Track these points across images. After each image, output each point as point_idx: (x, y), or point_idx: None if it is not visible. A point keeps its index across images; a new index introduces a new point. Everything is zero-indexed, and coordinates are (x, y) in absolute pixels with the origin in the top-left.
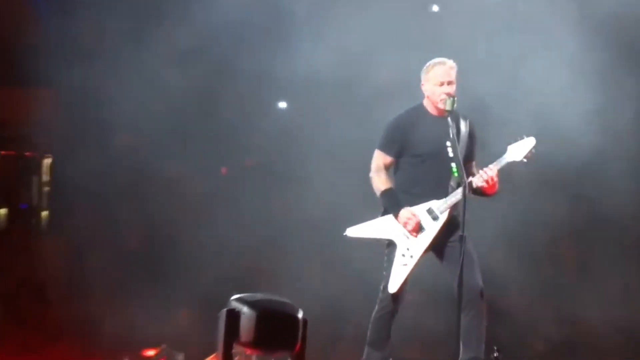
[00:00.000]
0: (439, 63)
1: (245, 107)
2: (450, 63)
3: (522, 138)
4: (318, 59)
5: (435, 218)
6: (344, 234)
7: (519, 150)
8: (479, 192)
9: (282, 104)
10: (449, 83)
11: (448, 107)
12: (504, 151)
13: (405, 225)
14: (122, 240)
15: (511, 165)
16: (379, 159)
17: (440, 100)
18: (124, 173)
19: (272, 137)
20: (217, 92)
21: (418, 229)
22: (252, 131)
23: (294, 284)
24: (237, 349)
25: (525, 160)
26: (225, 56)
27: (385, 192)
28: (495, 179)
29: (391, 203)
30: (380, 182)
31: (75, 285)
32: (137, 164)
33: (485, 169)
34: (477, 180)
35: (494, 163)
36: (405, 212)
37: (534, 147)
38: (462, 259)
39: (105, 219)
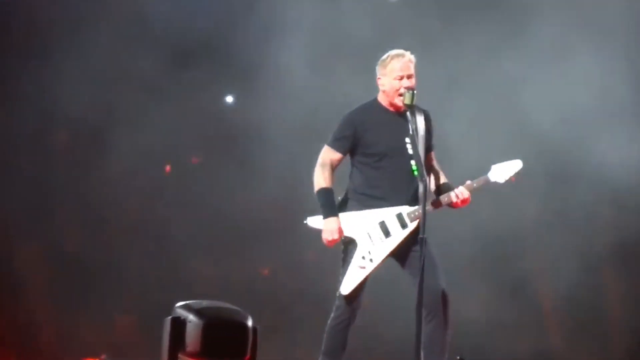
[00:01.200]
0: (397, 55)
1: (191, 101)
2: (409, 55)
3: (509, 161)
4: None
5: (404, 225)
6: (304, 222)
7: (502, 172)
8: (447, 204)
9: (229, 98)
10: (409, 77)
11: (407, 101)
12: (486, 168)
13: (324, 232)
14: (60, 243)
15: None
16: (327, 154)
17: (399, 94)
18: (62, 171)
19: (219, 132)
20: (161, 86)
21: (333, 245)
22: (197, 127)
23: (244, 289)
24: (183, 359)
25: (506, 183)
26: (172, 48)
27: (322, 191)
28: (469, 198)
29: (327, 204)
30: (322, 178)
31: (9, 291)
32: (75, 162)
33: (461, 189)
34: (447, 200)
35: (474, 181)
36: (331, 221)
37: (519, 171)
38: (423, 263)
39: (41, 220)
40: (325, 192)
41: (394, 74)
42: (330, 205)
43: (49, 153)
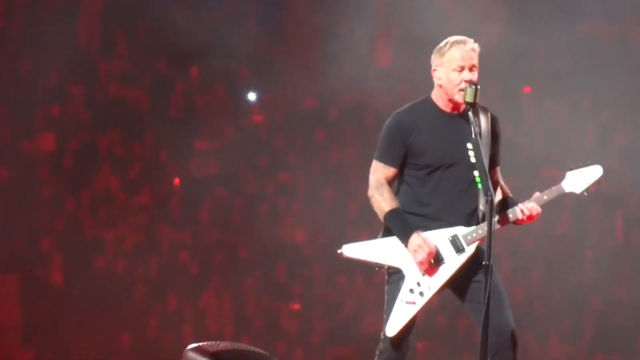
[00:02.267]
0: (458, 42)
1: None
2: (472, 41)
3: (586, 165)
4: None
5: (459, 250)
6: (339, 251)
7: (579, 181)
8: (512, 221)
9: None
10: (471, 68)
11: (468, 98)
12: (559, 176)
13: (414, 254)
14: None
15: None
16: (379, 172)
17: (459, 90)
18: None
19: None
20: None
21: (429, 263)
22: None
23: (269, 327)
24: None
25: (585, 194)
26: None
27: (391, 213)
28: (538, 213)
29: (399, 226)
30: (383, 200)
31: None
32: None
33: (529, 203)
34: (512, 217)
35: (544, 193)
36: (416, 239)
37: (600, 178)
38: (488, 296)
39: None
40: (395, 214)
41: (453, 64)
42: (405, 224)
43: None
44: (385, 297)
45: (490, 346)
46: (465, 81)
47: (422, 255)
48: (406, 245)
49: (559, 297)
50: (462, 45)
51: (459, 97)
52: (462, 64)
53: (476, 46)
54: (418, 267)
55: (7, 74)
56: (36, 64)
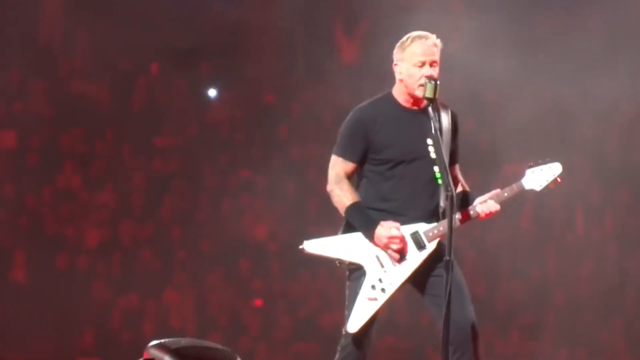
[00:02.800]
0: (419, 37)
1: None
2: (434, 37)
3: (546, 162)
4: None
5: (421, 247)
6: (300, 247)
7: (539, 178)
8: (473, 217)
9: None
10: (432, 63)
11: (428, 94)
12: (518, 174)
13: (386, 245)
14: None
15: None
16: (338, 166)
17: (419, 85)
18: None
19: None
20: None
21: (402, 250)
22: None
23: (230, 323)
24: None
25: (544, 191)
26: None
27: (352, 207)
28: (498, 210)
29: (361, 220)
30: (343, 195)
31: None
32: None
33: (489, 201)
34: (473, 213)
35: (505, 190)
36: (385, 229)
37: (560, 175)
38: (449, 291)
39: None
40: (356, 207)
41: (414, 59)
42: (367, 217)
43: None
44: (347, 293)
45: (451, 341)
46: (426, 77)
47: (397, 244)
48: (371, 239)
49: (521, 292)
50: (423, 40)
51: (419, 93)
52: (422, 59)
53: (438, 42)
54: (391, 257)
55: None
56: None
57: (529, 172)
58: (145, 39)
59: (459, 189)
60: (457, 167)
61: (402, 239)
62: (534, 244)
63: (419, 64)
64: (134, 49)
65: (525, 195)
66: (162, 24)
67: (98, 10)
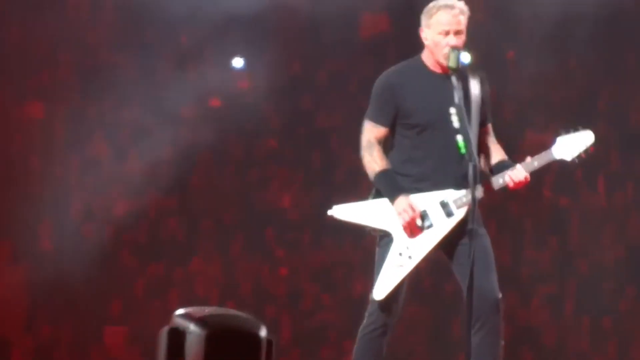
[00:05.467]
0: (446, 6)
1: None
2: (461, 6)
3: (577, 130)
4: None
5: (449, 214)
6: (329, 212)
7: (570, 147)
8: (500, 187)
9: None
10: (457, 33)
11: (452, 64)
12: (549, 141)
13: (399, 216)
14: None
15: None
16: (370, 131)
17: (443, 54)
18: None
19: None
20: None
21: (414, 226)
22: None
23: (255, 293)
24: None
25: (576, 160)
26: None
27: (381, 174)
28: (527, 179)
29: (388, 187)
30: (373, 160)
31: None
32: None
33: (517, 169)
34: (501, 182)
35: (534, 159)
36: (401, 201)
37: (592, 144)
38: (473, 259)
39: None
40: (384, 174)
41: (439, 28)
42: (393, 185)
43: None
44: (375, 260)
45: (474, 310)
46: (450, 46)
47: (407, 218)
48: (393, 205)
49: (544, 260)
50: (449, 9)
51: (443, 60)
52: (447, 28)
53: (465, 9)
54: (403, 229)
55: None
56: None
57: (559, 140)
58: (173, 9)
59: (496, 154)
60: (489, 128)
61: (415, 217)
62: (556, 213)
63: (444, 33)
64: (160, 21)
65: (549, 164)
66: None
67: None
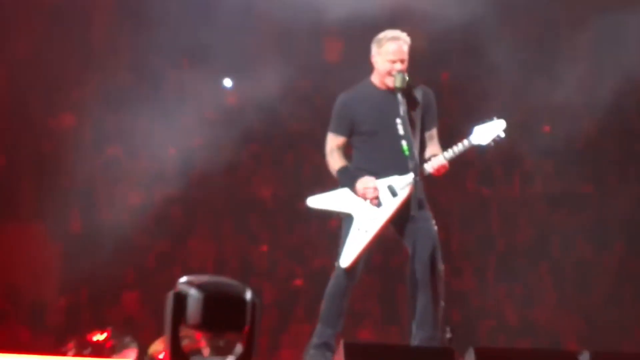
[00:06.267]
0: (393, 38)
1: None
2: (404, 38)
3: (491, 119)
4: None
5: (394, 194)
6: (306, 203)
7: (485, 133)
8: (428, 174)
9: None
10: (402, 61)
11: (398, 84)
12: (469, 132)
13: (364, 195)
14: (63, 221)
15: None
16: (331, 141)
17: (390, 76)
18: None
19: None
20: None
21: (378, 198)
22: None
23: (243, 265)
24: (185, 332)
25: (492, 144)
26: None
27: (339, 170)
28: (445, 165)
29: (346, 178)
30: (334, 161)
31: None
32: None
33: (436, 158)
34: (426, 169)
35: (453, 148)
36: (362, 182)
37: (504, 130)
38: (415, 237)
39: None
40: (344, 169)
41: (387, 57)
42: (351, 175)
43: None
44: (341, 235)
45: (419, 278)
46: (396, 70)
47: (371, 194)
48: (354, 192)
49: (470, 240)
50: (396, 41)
51: (389, 82)
52: (394, 58)
53: (408, 40)
54: (367, 208)
55: None
56: None
57: (476, 129)
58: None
59: (430, 150)
60: (434, 133)
61: (375, 189)
62: (480, 202)
63: (391, 61)
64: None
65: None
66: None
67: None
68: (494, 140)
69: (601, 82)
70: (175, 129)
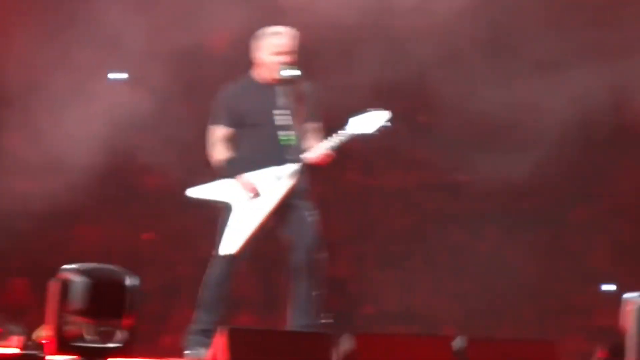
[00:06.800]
0: (274, 33)
1: None
2: (289, 32)
3: (374, 110)
4: None
5: (276, 185)
6: (185, 193)
7: (367, 122)
8: (309, 163)
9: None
10: (285, 53)
11: (282, 76)
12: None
13: (244, 189)
14: None
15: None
16: (213, 133)
17: (274, 68)
18: None
19: None
20: None
21: (257, 194)
22: None
23: (128, 252)
24: (69, 317)
25: (377, 133)
26: None
27: (222, 161)
28: (327, 154)
29: (229, 170)
30: (216, 153)
31: None
32: None
33: (314, 150)
34: (307, 158)
35: (331, 139)
36: (243, 178)
37: (388, 120)
38: (297, 226)
39: None
40: (227, 162)
41: (270, 50)
42: (234, 168)
43: None
44: (219, 225)
45: (297, 266)
46: (279, 63)
47: (250, 190)
48: (236, 183)
49: (346, 227)
50: (277, 35)
51: (275, 75)
52: (276, 50)
53: (293, 33)
54: (247, 200)
55: None
56: None
57: (351, 121)
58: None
59: (311, 141)
60: (317, 127)
61: (254, 188)
62: (358, 191)
63: (274, 54)
64: None
65: (351, 150)
66: None
67: None
68: (378, 130)
69: (472, 69)
70: (62, 118)
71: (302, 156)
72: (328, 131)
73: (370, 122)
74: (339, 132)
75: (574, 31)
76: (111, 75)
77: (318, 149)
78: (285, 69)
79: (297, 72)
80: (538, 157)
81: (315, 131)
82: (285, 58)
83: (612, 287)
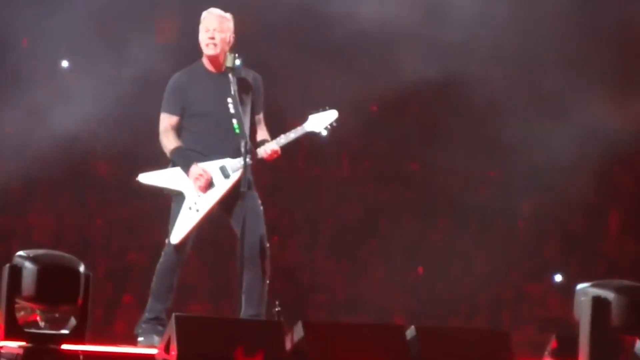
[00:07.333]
0: (208, 12)
1: None
2: (221, 13)
3: (325, 109)
4: None
5: (226, 176)
6: (136, 179)
7: (319, 121)
8: (261, 157)
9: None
10: (214, 30)
11: (228, 64)
12: (304, 120)
13: (195, 181)
14: None
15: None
16: (164, 120)
17: (206, 45)
18: None
19: None
20: None
21: (208, 185)
22: None
23: (80, 239)
24: (22, 304)
25: (325, 132)
26: None
27: (174, 150)
28: (277, 151)
29: (181, 160)
30: (168, 141)
31: None
32: None
33: (269, 144)
34: (260, 153)
35: (286, 134)
36: (195, 169)
37: (336, 120)
38: (244, 216)
39: None
40: (177, 150)
41: (202, 27)
42: (186, 158)
43: None
44: (171, 213)
45: (246, 256)
46: (208, 38)
47: (201, 182)
48: (187, 174)
49: (299, 216)
50: (209, 14)
51: (206, 51)
52: (207, 26)
53: (228, 16)
54: (198, 190)
55: None
56: None
57: (311, 117)
58: None
59: (260, 135)
60: (261, 117)
61: (207, 180)
62: (309, 180)
63: (205, 30)
64: None
65: (302, 140)
66: None
67: None
68: (326, 129)
69: (424, 62)
70: (12, 107)
71: (256, 151)
72: (281, 127)
73: (321, 121)
74: (295, 129)
75: None
76: (63, 63)
77: (272, 146)
78: (232, 56)
79: (239, 62)
80: (492, 148)
81: (260, 122)
82: (213, 35)
83: (560, 278)
